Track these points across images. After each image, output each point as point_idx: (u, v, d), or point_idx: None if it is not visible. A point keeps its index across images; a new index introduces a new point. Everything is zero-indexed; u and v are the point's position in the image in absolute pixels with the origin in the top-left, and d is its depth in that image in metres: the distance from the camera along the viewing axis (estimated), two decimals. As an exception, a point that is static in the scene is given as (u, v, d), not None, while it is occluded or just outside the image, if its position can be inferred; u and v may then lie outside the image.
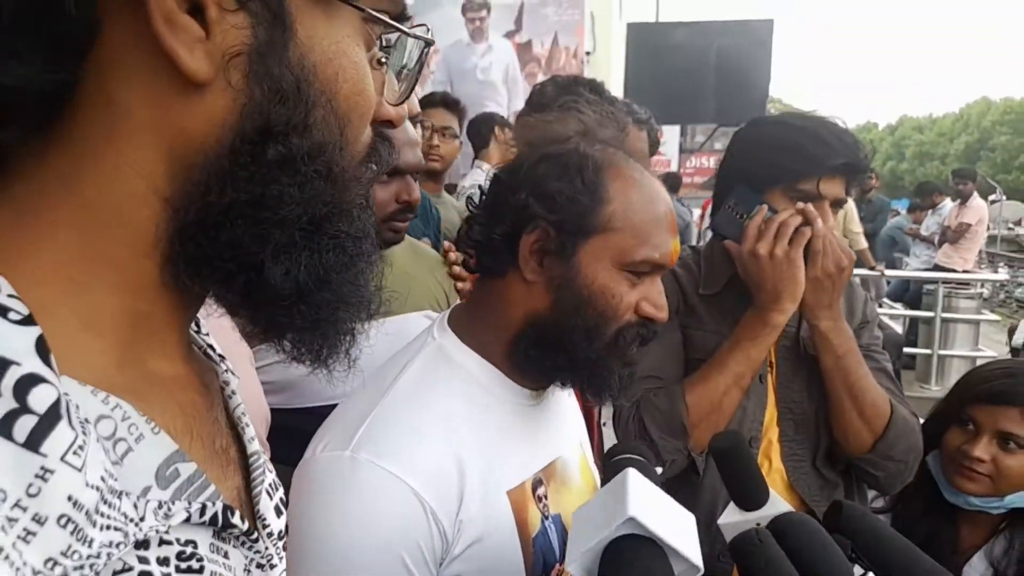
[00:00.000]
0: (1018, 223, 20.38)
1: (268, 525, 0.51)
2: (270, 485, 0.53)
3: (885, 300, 8.03)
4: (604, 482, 0.74)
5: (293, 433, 0.92)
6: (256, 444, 0.54)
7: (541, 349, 0.91)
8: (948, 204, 7.86)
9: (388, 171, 1.32)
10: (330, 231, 0.45)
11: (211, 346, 0.55)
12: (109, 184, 0.40)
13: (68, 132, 0.39)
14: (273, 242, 0.43)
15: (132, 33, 0.38)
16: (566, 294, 0.90)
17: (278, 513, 0.53)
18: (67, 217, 0.39)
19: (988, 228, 11.04)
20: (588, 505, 0.69)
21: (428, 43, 0.53)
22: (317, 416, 0.95)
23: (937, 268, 7.30)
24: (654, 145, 2.51)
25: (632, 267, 0.90)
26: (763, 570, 0.59)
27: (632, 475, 0.67)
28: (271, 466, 0.55)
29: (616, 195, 0.90)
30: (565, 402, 1.11)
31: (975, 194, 7.49)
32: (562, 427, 1.07)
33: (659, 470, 0.81)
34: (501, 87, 5.25)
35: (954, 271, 7.05)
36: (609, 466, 0.76)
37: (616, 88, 6.21)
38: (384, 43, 0.49)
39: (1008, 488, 1.42)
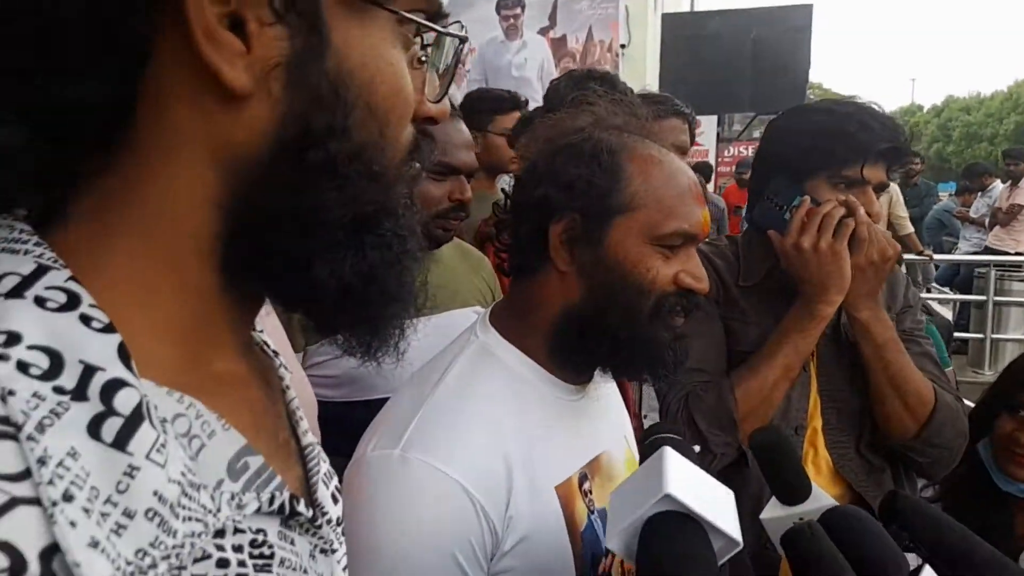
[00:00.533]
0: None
1: (327, 512, 0.53)
2: (325, 474, 0.55)
3: (934, 285, 7.85)
4: (642, 462, 0.74)
5: (356, 425, 0.96)
6: (310, 436, 0.56)
7: (582, 336, 0.91)
8: (998, 185, 7.63)
9: (444, 170, 1.36)
10: (376, 230, 0.46)
11: (266, 343, 0.57)
12: (168, 194, 0.42)
13: (128, 147, 0.41)
14: (318, 243, 0.44)
15: (177, 50, 0.40)
16: (600, 278, 0.90)
17: (334, 500, 0.55)
18: (132, 228, 0.41)
19: (1041, 209, 10.67)
20: (626, 483, 0.70)
21: (462, 40, 0.54)
22: (376, 409, 0.97)
23: (988, 251, 7.09)
24: (691, 136, 2.50)
25: (663, 240, 0.90)
26: (816, 563, 0.58)
27: (669, 453, 0.67)
28: (324, 455, 0.57)
29: (635, 174, 0.90)
30: (610, 396, 1.11)
31: (1027, 174, 7.27)
32: (607, 421, 1.07)
33: (696, 448, 0.82)
34: (536, 83, 5.27)
35: (1007, 253, 6.85)
36: (646, 446, 0.76)
37: (652, 80, 6.18)
38: (424, 42, 0.50)
39: None
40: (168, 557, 0.36)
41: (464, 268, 1.56)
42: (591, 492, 0.96)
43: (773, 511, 0.81)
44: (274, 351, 0.58)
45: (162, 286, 0.42)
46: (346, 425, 1.15)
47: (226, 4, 0.39)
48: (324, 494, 0.53)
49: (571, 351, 0.94)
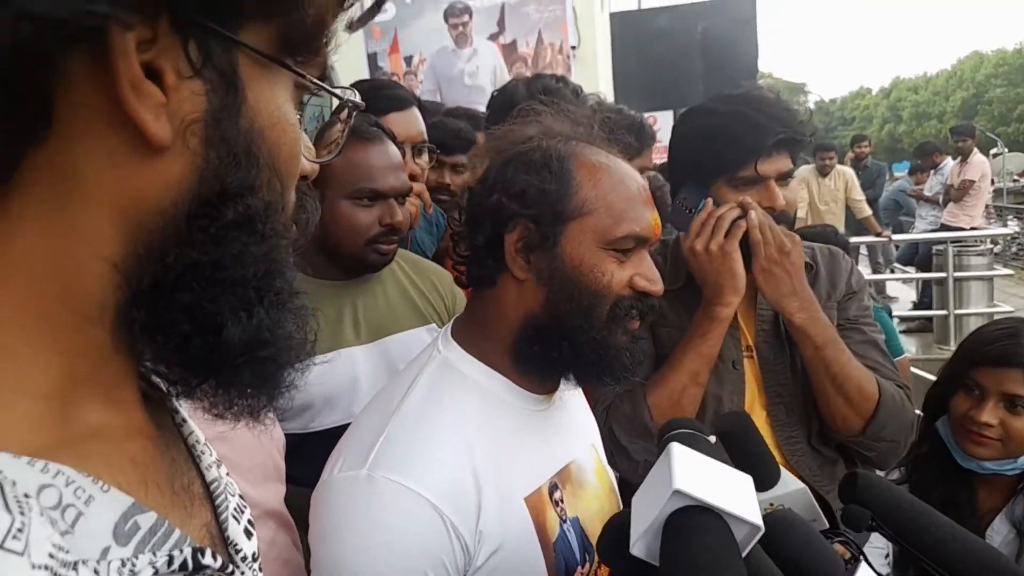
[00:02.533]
0: (1022, 174, 20.20)
1: (240, 550, 0.51)
2: (236, 508, 0.53)
3: (896, 265, 7.99)
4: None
5: (311, 456, 0.93)
6: (215, 470, 0.53)
7: (543, 344, 0.92)
8: (949, 163, 7.81)
9: (369, 196, 1.37)
10: (273, 288, 0.46)
11: (155, 375, 0.55)
12: (51, 249, 0.39)
13: (7, 194, 0.38)
14: (231, 302, 0.43)
15: (92, 97, 0.38)
16: (557, 283, 0.91)
17: (248, 535, 0.53)
18: (2, 283, 0.39)
19: (992, 182, 10.96)
20: (642, 488, 0.69)
21: (356, 106, 0.55)
22: (334, 436, 0.95)
23: (944, 228, 7.25)
24: (649, 137, 2.50)
25: (615, 244, 0.92)
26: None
27: (676, 449, 0.66)
28: (233, 487, 0.55)
29: (585, 180, 0.92)
30: (576, 405, 1.11)
31: (975, 150, 7.44)
32: (574, 430, 1.07)
33: (712, 439, 0.81)
34: (489, 89, 5.23)
35: (961, 229, 7.00)
36: (659, 446, 0.76)
37: (605, 79, 6.20)
38: (303, 102, 0.51)
39: (1019, 449, 1.40)
40: None
41: (417, 287, 1.54)
42: (563, 501, 0.96)
43: None
44: (162, 386, 0.55)
45: (30, 346, 0.39)
46: (302, 455, 1.11)
47: (145, 52, 0.38)
48: (236, 530, 0.51)
49: (533, 359, 0.94)
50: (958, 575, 0.74)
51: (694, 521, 0.59)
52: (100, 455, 0.42)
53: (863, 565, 0.67)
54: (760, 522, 0.60)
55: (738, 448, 0.80)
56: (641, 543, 0.62)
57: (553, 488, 0.95)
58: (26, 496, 0.34)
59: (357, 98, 0.55)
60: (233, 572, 0.47)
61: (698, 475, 0.62)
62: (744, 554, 0.60)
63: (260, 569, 0.54)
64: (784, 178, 1.42)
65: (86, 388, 0.42)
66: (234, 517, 0.52)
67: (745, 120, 1.39)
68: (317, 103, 0.54)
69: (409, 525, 0.81)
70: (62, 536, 0.35)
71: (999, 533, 1.45)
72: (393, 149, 1.43)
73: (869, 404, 1.36)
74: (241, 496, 0.56)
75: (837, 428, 1.40)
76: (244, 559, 0.51)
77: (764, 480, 0.79)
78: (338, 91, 0.51)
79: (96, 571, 0.36)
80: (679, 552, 0.58)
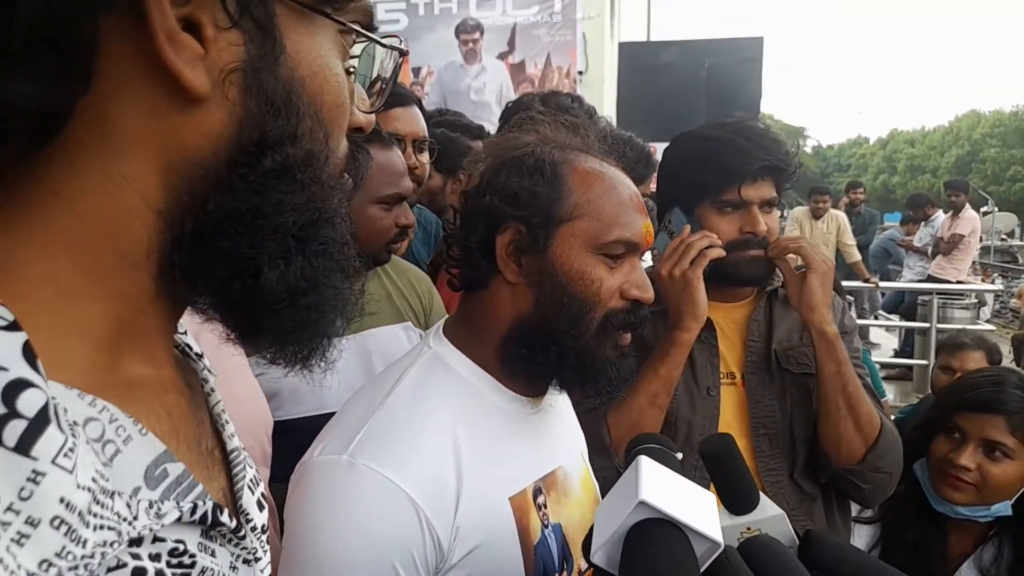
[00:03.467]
0: (1010, 234, 20.46)
1: (252, 520, 0.52)
2: (251, 480, 0.54)
3: (880, 312, 8.07)
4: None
5: (276, 447, 0.94)
6: (236, 440, 0.55)
7: (530, 347, 0.93)
8: (940, 216, 7.92)
9: (392, 200, 1.43)
10: (319, 237, 0.47)
11: (189, 345, 0.56)
12: (100, 198, 0.40)
13: (61, 147, 0.40)
14: (269, 248, 0.44)
15: (131, 51, 0.39)
16: (547, 287, 0.92)
17: (260, 507, 0.54)
18: (57, 230, 0.40)
19: (980, 239, 11.10)
20: (608, 498, 0.69)
21: (402, 52, 0.55)
22: (299, 428, 0.96)
23: (931, 279, 7.34)
24: (652, 167, 2.53)
25: (606, 249, 0.92)
26: None
27: (644, 462, 0.67)
28: (251, 460, 0.56)
29: (577, 185, 0.93)
30: (566, 413, 1.12)
31: (967, 206, 7.56)
32: (563, 438, 1.07)
33: (679, 455, 0.82)
34: (495, 107, 5.30)
35: (948, 281, 7.09)
36: (628, 459, 0.77)
37: (610, 106, 6.27)
38: (350, 53, 0.50)
39: (994, 497, 1.42)
40: (76, 567, 0.34)
41: (396, 285, 1.58)
42: (546, 506, 0.96)
43: (721, 520, 0.81)
44: (198, 353, 0.56)
45: (83, 290, 0.41)
46: (275, 445, 1.13)
47: (183, 6, 0.39)
48: (249, 500, 0.53)
49: (520, 362, 0.95)
50: None
51: (656, 533, 0.60)
52: (141, 401, 0.44)
53: (643, 459, 0.68)
54: (720, 539, 0.61)
55: (720, 470, 0.81)
56: (602, 552, 0.63)
57: (537, 492, 0.96)
58: (75, 424, 0.36)
59: (403, 45, 0.55)
60: (244, 537, 0.49)
61: (664, 489, 0.63)
62: (703, 569, 0.60)
63: (268, 542, 0.55)
64: (767, 205, 1.46)
65: (130, 336, 0.44)
66: (249, 488, 0.53)
67: (731, 145, 1.43)
68: (371, 55, 0.54)
69: (382, 514, 0.82)
70: (103, 466, 0.37)
71: None
72: (399, 154, 1.49)
73: (873, 431, 1.38)
74: (256, 471, 0.57)
75: (840, 453, 1.40)
76: (254, 529, 0.52)
77: (743, 504, 0.79)
78: (381, 39, 0.51)
79: (128, 505, 0.38)
80: (638, 562, 0.59)
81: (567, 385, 0.99)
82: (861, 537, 1.60)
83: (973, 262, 8.41)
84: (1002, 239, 19.39)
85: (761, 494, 0.82)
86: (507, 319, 0.94)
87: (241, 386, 1.10)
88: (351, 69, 0.50)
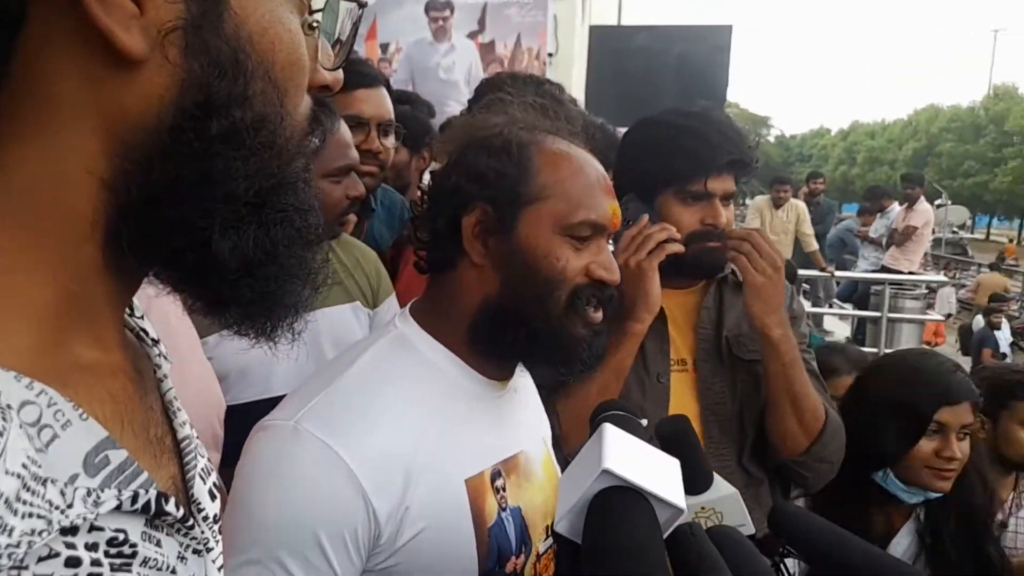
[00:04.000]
0: (962, 227, 21.06)
1: (203, 509, 0.50)
2: (203, 469, 0.53)
3: (835, 300, 8.26)
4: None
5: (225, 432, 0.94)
6: (187, 428, 0.53)
7: (499, 328, 0.93)
8: (896, 208, 8.11)
9: (342, 172, 1.37)
10: (277, 204, 0.44)
11: (144, 330, 0.54)
12: (40, 168, 0.39)
13: None
14: (220, 217, 0.42)
15: (60, 13, 0.37)
16: (513, 267, 0.92)
17: (212, 497, 0.53)
18: None
19: (933, 232, 11.40)
20: (571, 466, 0.69)
21: (361, 5, 0.52)
22: (247, 412, 0.95)
23: (884, 270, 7.52)
24: (611, 148, 2.54)
25: (572, 231, 0.92)
26: (694, 562, 0.59)
27: (608, 429, 0.67)
28: (203, 449, 0.55)
29: (544, 166, 0.93)
30: (530, 398, 1.12)
31: (922, 198, 7.75)
32: (526, 422, 1.08)
33: (644, 422, 0.83)
34: (463, 86, 5.25)
35: (900, 272, 7.28)
36: (592, 425, 0.78)
37: (578, 89, 6.27)
38: (312, 7, 0.47)
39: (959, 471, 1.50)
40: (0, 556, 0.33)
41: (343, 263, 1.54)
42: (504, 490, 0.97)
43: None
44: (153, 339, 0.54)
45: (25, 266, 0.39)
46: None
47: None
48: (200, 489, 0.51)
49: (489, 343, 0.95)
50: None
51: (619, 501, 0.60)
52: (84, 385, 0.42)
53: (607, 426, 0.68)
54: (683, 505, 0.61)
55: (675, 451, 0.80)
56: (565, 521, 0.63)
57: (496, 475, 0.96)
58: (8, 407, 0.35)
59: None
60: (193, 527, 0.47)
61: (628, 456, 0.63)
62: (666, 534, 0.60)
63: (220, 531, 0.53)
64: (728, 198, 1.46)
65: (77, 313, 0.42)
66: (200, 477, 0.52)
67: (700, 135, 1.41)
68: (335, 9, 0.51)
69: (317, 483, 0.81)
70: (36, 452, 0.36)
71: (901, 545, 1.54)
72: (344, 125, 1.45)
73: (817, 424, 1.42)
74: (208, 459, 0.55)
75: (784, 446, 1.43)
76: (205, 519, 0.50)
77: (697, 484, 0.80)
78: None
79: (63, 493, 0.37)
80: (601, 530, 0.59)
81: (536, 366, 1.00)
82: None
83: (925, 254, 8.66)
84: (953, 232, 19.95)
85: (715, 474, 0.83)
86: (475, 300, 0.94)
87: (193, 369, 1.08)
88: (314, 24, 0.47)
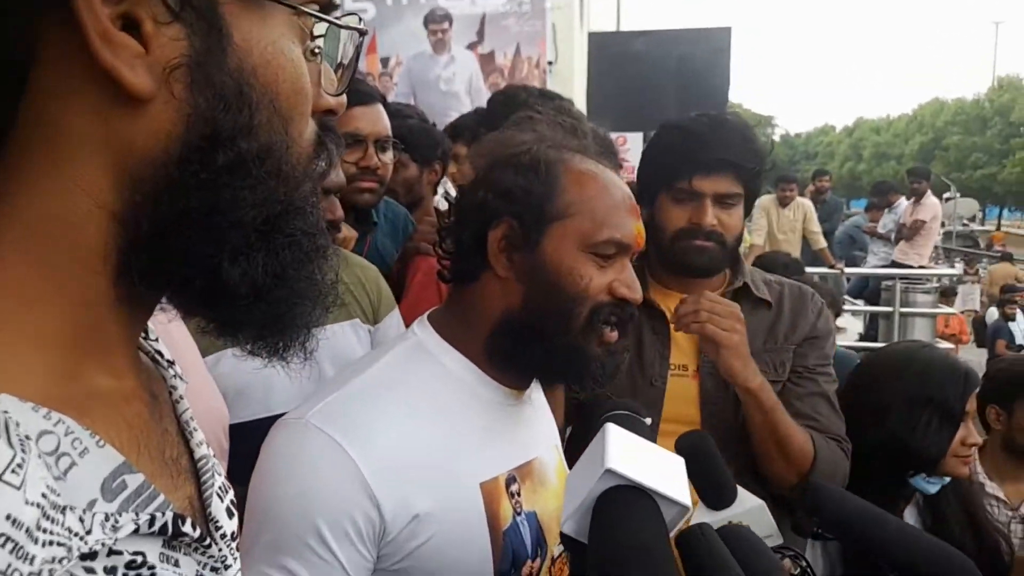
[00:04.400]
0: (972, 219, 20.92)
1: (221, 527, 0.52)
2: (220, 487, 0.54)
3: (846, 297, 8.22)
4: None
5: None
6: (204, 448, 0.54)
7: (518, 342, 0.94)
8: (903, 202, 8.07)
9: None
10: (285, 229, 0.46)
11: (159, 352, 0.55)
12: (51, 203, 0.40)
13: (7, 154, 0.39)
14: (229, 245, 0.43)
15: (69, 54, 0.38)
16: (536, 282, 0.94)
17: (230, 515, 0.54)
18: (11, 237, 0.40)
19: (943, 225, 11.33)
20: (576, 467, 0.70)
21: (361, 32, 0.54)
22: (246, 431, 0.96)
23: (894, 264, 7.48)
24: (611, 153, 2.54)
25: (596, 249, 0.94)
26: (706, 559, 0.60)
27: (611, 429, 0.68)
28: (220, 468, 0.56)
29: (571, 184, 0.95)
30: (542, 404, 1.14)
31: (928, 192, 7.72)
32: (541, 429, 1.09)
33: (648, 420, 0.83)
34: (464, 97, 5.28)
35: (911, 267, 7.23)
36: (595, 426, 0.78)
37: (579, 97, 6.29)
38: (314, 34, 0.49)
39: None
40: None
41: (341, 282, 1.54)
42: (519, 495, 0.98)
43: (701, 517, 0.82)
44: (168, 360, 0.56)
45: (41, 297, 0.40)
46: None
47: (118, 4, 0.38)
48: (218, 508, 0.52)
49: (508, 356, 0.96)
50: (908, 569, 0.77)
51: (624, 500, 0.60)
52: (100, 413, 0.43)
53: (610, 426, 0.68)
54: (688, 502, 0.62)
55: (697, 467, 0.81)
56: (571, 521, 0.64)
57: (511, 480, 0.97)
58: (27, 438, 0.36)
59: (362, 24, 0.54)
60: (211, 546, 0.49)
61: (631, 455, 0.64)
62: (673, 533, 0.61)
63: (237, 549, 0.55)
64: (725, 199, 1.43)
65: (91, 343, 0.43)
66: (218, 495, 0.53)
67: (690, 134, 1.42)
68: (337, 35, 0.52)
69: (320, 474, 0.83)
70: (55, 481, 0.37)
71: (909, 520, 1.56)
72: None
73: (806, 462, 1.40)
74: (226, 478, 0.56)
75: (773, 482, 1.43)
76: (223, 537, 0.52)
77: (722, 499, 0.81)
78: (336, 19, 0.50)
79: (81, 519, 0.38)
80: (607, 530, 0.60)
81: (552, 379, 1.02)
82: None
83: (935, 247, 8.60)
84: (964, 224, 19.81)
85: (739, 488, 0.83)
86: (496, 313, 0.96)
87: (196, 383, 1.10)
88: (316, 50, 0.48)
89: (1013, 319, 7.95)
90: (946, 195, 18.32)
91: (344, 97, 0.53)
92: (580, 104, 6.06)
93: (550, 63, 5.53)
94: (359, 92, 1.77)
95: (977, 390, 1.53)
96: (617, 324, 0.97)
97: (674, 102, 6.14)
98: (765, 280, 1.59)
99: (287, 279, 0.46)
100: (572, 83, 6.12)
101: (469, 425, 0.95)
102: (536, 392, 1.08)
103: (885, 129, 44.99)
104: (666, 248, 1.48)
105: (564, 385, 1.00)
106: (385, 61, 5.39)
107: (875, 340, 6.73)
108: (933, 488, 1.53)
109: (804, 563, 0.94)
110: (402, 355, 0.97)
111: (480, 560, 0.92)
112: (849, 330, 7.77)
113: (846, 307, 7.94)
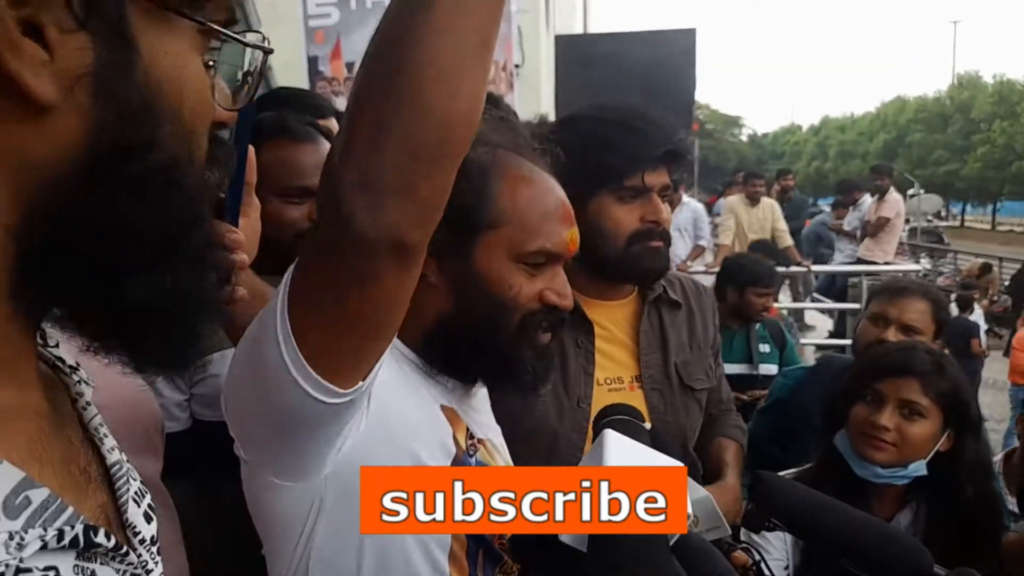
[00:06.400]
0: (937, 215, 21.33)
1: (139, 532, 0.51)
2: (136, 492, 0.53)
3: (815, 295, 8.33)
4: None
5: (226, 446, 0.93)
6: (116, 454, 0.53)
7: (450, 347, 0.94)
8: (868, 200, 8.20)
9: (302, 193, 1.40)
10: (184, 244, 0.45)
11: (60, 359, 0.54)
12: None
13: None
14: (132, 261, 0.42)
15: None
16: (466, 290, 0.93)
17: (148, 519, 0.53)
18: None
19: (908, 221, 11.52)
20: None
21: (266, 52, 0.53)
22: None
23: (860, 261, 7.59)
24: (548, 151, 2.49)
25: (526, 258, 0.94)
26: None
27: (610, 435, 0.68)
28: (135, 473, 0.55)
29: (504, 192, 0.94)
30: (486, 404, 1.13)
31: (892, 189, 7.84)
32: (490, 423, 1.09)
33: (647, 425, 0.82)
34: (432, 102, 5.27)
35: (875, 263, 7.35)
36: (595, 431, 0.77)
37: (547, 99, 6.31)
38: (209, 47, 0.48)
39: (911, 456, 1.50)
40: None
41: None
42: (475, 446, 0.98)
43: None
44: (71, 366, 0.54)
45: None
46: (216, 445, 1.11)
47: (21, 8, 0.36)
48: (135, 514, 0.51)
49: (442, 361, 0.96)
50: (858, 555, 0.77)
51: None
52: None
53: (609, 432, 0.68)
54: (690, 508, 0.62)
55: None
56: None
57: (470, 433, 0.97)
58: None
59: (266, 43, 0.53)
60: (128, 553, 0.47)
61: (631, 460, 0.64)
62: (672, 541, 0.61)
63: (159, 552, 0.53)
64: (663, 194, 1.39)
65: None
66: (134, 500, 0.52)
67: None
68: (232, 49, 0.52)
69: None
70: None
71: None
72: (325, 147, 1.42)
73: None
74: (142, 481, 0.55)
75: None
76: (143, 542, 0.51)
77: None
78: (242, 37, 0.49)
79: None
80: (607, 538, 0.59)
81: (486, 383, 1.01)
82: None
83: (900, 243, 8.73)
84: (928, 220, 20.20)
85: (689, 479, 0.85)
86: (430, 317, 0.95)
87: (124, 385, 1.08)
88: (211, 63, 0.48)
89: (971, 311, 7.92)
90: (910, 192, 18.65)
91: (235, 114, 0.53)
92: (549, 106, 6.08)
93: (517, 66, 5.54)
94: (314, 106, 1.75)
95: (911, 380, 1.53)
96: (549, 328, 0.97)
97: (641, 103, 6.18)
98: (666, 279, 1.53)
99: (185, 293, 0.45)
100: (539, 86, 6.13)
101: (421, 395, 0.94)
102: (482, 391, 1.08)
103: (850, 127, 45.75)
104: (618, 254, 1.37)
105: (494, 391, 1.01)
106: (350, 66, 5.34)
107: (843, 337, 6.82)
108: (857, 468, 1.53)
109: (758, 556, 0.94)
110: None
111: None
112: (819, 327, 7.87)
113: (814, 305, 8.06)
